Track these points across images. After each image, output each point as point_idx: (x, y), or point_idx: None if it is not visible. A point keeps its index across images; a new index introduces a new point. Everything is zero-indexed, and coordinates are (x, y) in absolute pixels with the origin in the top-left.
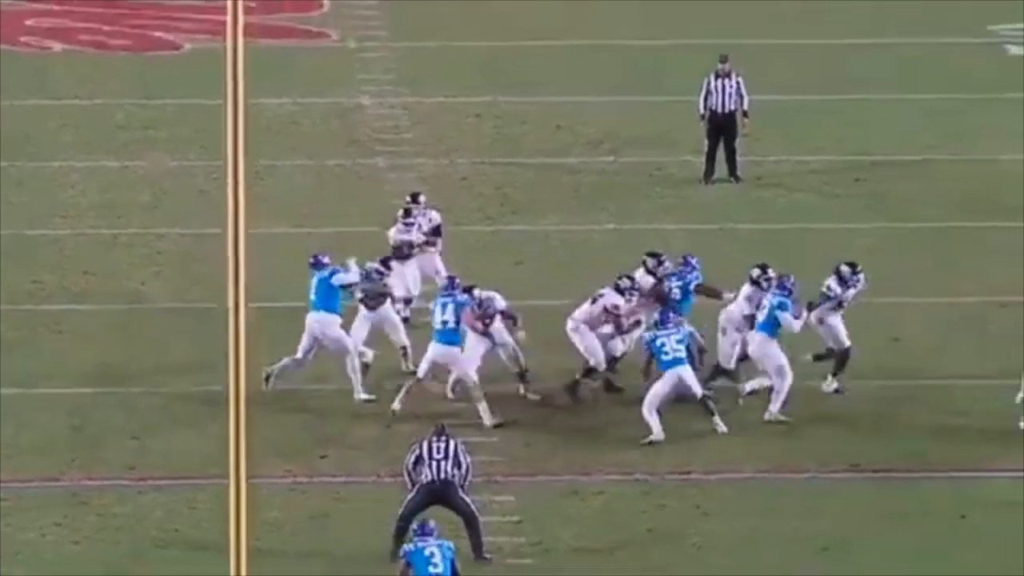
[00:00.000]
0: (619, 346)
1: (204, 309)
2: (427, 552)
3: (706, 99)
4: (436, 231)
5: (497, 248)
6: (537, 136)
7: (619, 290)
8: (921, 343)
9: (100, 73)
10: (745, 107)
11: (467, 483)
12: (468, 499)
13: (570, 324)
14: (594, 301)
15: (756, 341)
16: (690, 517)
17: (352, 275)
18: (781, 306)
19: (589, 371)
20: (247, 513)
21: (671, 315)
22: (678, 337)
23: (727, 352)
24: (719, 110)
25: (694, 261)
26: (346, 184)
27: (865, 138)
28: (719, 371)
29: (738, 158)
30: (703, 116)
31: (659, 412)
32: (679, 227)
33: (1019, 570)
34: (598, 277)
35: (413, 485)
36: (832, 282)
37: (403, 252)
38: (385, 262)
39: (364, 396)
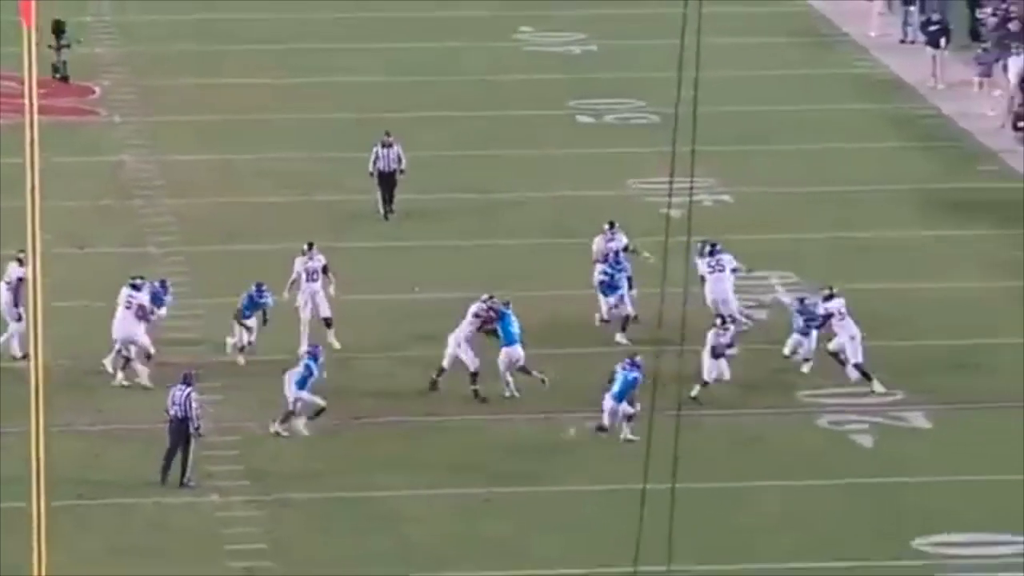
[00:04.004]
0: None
1: None
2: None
3: (375, 161)
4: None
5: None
6: (260, 183)
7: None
8: None
9: None
10: (403, 167)
11: (195, 421)
12: (194, 435)
13: (451, 342)
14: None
15: None
16: None
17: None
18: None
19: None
20: None
21: None
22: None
23: None
24: (385, 169)
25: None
26: (113, 217)
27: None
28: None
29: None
30: (372, 173)
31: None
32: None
33: None
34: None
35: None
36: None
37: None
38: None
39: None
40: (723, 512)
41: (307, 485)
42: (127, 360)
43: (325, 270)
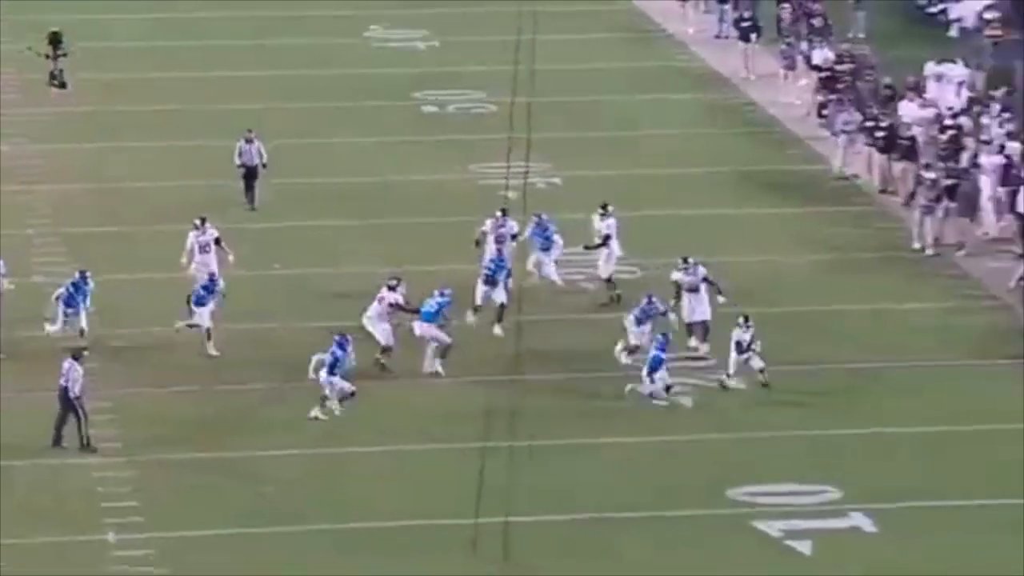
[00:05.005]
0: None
1: None
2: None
3: (239, 156)
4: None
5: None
6: (136, 171)
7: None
8: None
9: None
10: (264, 161)
11: (72, 390)
12: (81, 406)
13: (365, 320)
14: (380, 301)
15: None
16: None
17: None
18: None
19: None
20: None
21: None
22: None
23: None
24: (248, 163)
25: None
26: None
27: None
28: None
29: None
30: (237, 166)
31: None
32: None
33: None
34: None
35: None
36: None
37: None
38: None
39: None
40: (560, 466)
41: (176, 448)
42: None
43: (218, 242)
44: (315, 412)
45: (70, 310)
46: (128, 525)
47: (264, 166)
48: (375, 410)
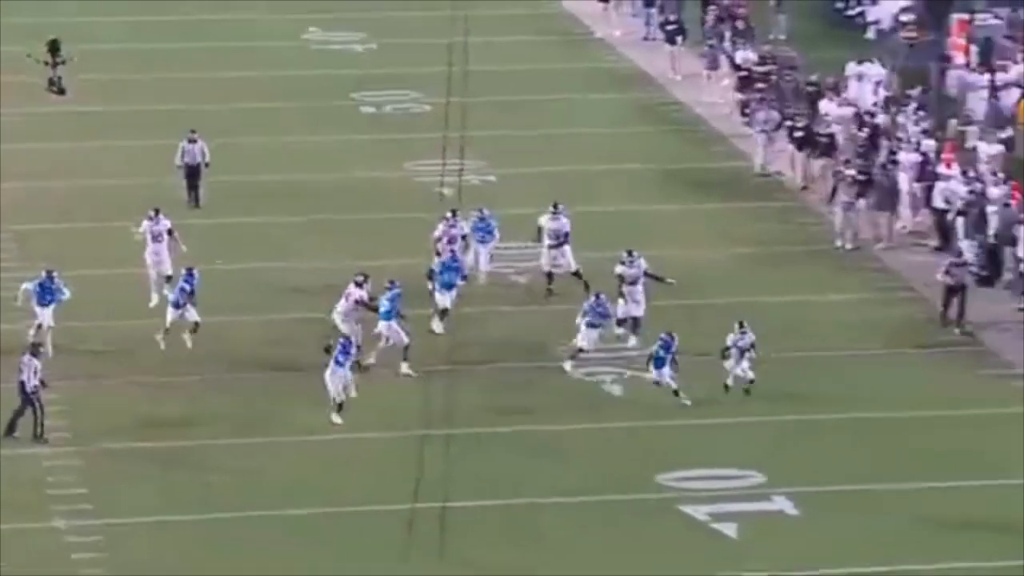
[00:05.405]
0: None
1: None
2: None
3: (182, 156)
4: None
5: None
6: (82, 169)
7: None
8: None
9: None
10: (207, 161)
11: (28, 383)
12: (38, 399)
13: (335, 316)
14: (347, 298)
15: None
16: None
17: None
18: None
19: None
20: None
21: None
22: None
23: None
24: (191, 163)
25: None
26: None
27: None
28: None
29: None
30: (179, 166)
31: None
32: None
33: None
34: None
35: None
36: None
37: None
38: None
39: None
40: (493, 454)
41: (124, 437)
42: None
43: (171, 232)
44: (334, 417)
45: (41, 308)
46: (77, 512)
47: (207, 165)
48: (317, 401)
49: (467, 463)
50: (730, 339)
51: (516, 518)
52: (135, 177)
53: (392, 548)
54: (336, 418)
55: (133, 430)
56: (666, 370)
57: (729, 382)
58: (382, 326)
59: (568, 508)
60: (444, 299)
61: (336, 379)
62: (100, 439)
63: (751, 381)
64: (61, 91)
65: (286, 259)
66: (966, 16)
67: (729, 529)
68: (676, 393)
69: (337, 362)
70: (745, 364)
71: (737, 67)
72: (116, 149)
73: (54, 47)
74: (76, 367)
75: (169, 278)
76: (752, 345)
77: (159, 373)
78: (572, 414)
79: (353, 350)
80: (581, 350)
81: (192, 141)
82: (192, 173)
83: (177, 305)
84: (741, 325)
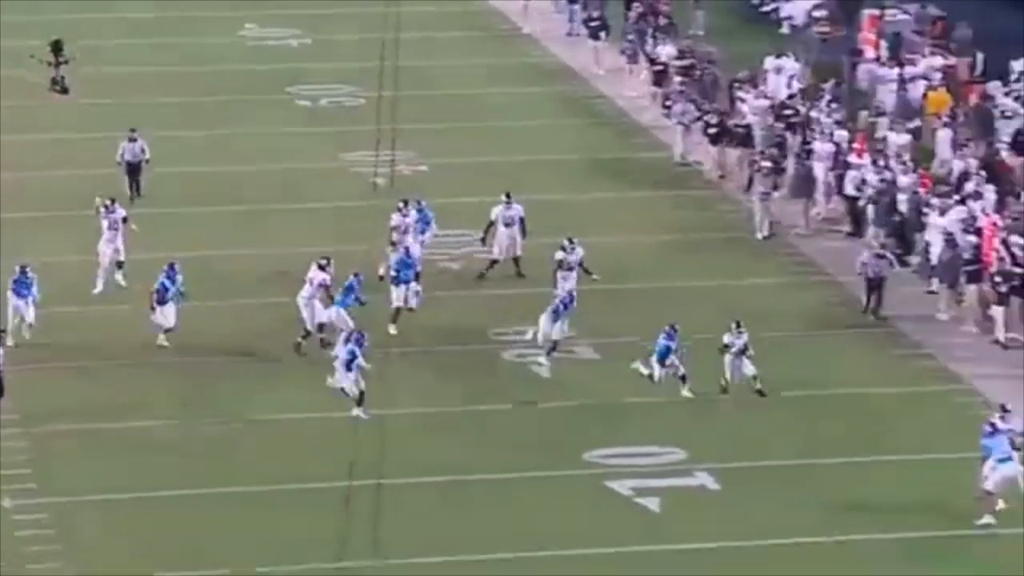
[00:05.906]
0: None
1: None
2: None
3: (122, 154)
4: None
5: None
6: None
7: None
8: None
9: None
10: (147, 158)
11: None
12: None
13: (299, 299)
14: (311, 282)
15: None
16: None
17: None
18: None
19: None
20: None
21: None
22: None
23: None
24: (132, 160)
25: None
26: None
27: None
28: None
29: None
30: (119, 163)
31: None
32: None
33: None
34: None
35: None
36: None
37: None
38: None
39: None
40: (431, 434)
41: (70, 419)
42: None
43: (125, 220)
44: (356, 412)
45: (19, 301)
46: (23, 491)
47: (147, 162)
48: (263, 385)
49: (401, 443)
50: (727, 338)
51: (447, 494)
52: (72, 169)
53: (329, 520)
54: (360, 413)
55: (79, 412)
56: (670, 359)
57: (725, 381)
58: (331, 312)
59: (498, 484)
60: (399, 295)
61: (349, 379)
62: (47, 421)
63: (754, 377)
64: (64, 90)
65: (228, 247)
66: (876, 12)
67: (652, 503)
68: (683, 379)
69: (347, 364)
70: (747, 364)
71: (652, 61)
72: (55, 143)
73: (56, 47)
74: (23, 352)
75: (120, 264)
76: (747, 346)
77: (108, 357)
78: (503, 395)
79: (366, 343)
80: (556, 343)
81: (132, 140)
82: (133, 170)
83: (164, 302)
84: (738, 324)
